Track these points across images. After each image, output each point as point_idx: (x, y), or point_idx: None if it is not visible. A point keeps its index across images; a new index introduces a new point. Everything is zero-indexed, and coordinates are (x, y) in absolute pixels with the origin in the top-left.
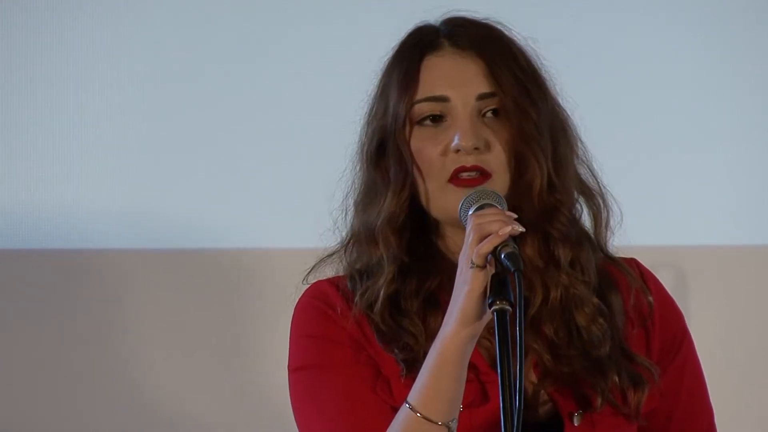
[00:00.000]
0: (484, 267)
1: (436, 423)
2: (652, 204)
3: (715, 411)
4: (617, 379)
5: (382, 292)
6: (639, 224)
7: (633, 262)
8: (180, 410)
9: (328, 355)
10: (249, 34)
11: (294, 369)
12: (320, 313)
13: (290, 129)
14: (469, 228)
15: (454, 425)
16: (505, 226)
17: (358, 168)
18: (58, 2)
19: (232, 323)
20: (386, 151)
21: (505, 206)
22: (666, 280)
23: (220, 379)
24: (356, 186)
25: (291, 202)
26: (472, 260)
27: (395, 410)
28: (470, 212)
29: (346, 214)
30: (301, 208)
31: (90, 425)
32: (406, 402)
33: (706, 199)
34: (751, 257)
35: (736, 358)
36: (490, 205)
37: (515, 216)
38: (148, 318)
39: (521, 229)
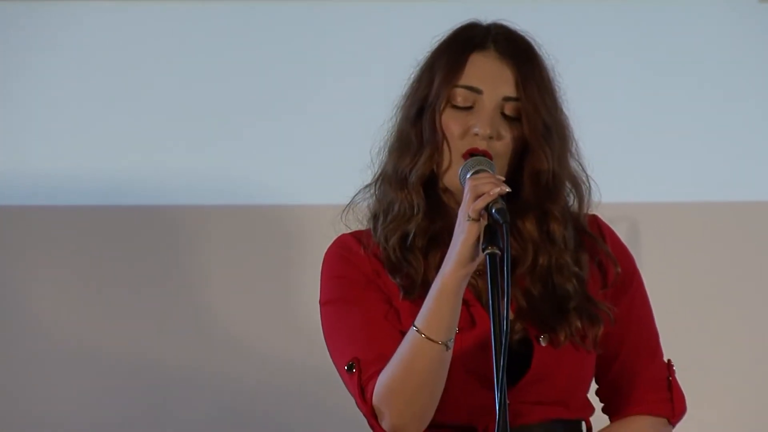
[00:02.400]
0: (478, 220)
1: (437, 342)
2: (611, 163)
3: (667, 355)
4: (579, 324)
5: (401, 229)
6: (600, 182)
7: (594, 218)
8: (248, 340)
9: (348, 292)
10: None
11: (323, 303)
12: (342, 259)
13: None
14: (466, 188)
15: (450, 344)
16: (495, 186)
17: (397, 121)
18: None
19: (286, 268)
20: (423, 116)
21: (495, 172)
22: (621, 231)
23: (276, 314)
24: (393, 135)
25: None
26: (468, 214)
27: (403, 334)
28: (468, 176)
29: (381, 154)
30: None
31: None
32: (413, 325)
33: (660, 158)
34: (700, 212)
35: (683, 300)
36: (484, 171)
37: (503, 179)
38: (219, 266)
39: (508, 189)
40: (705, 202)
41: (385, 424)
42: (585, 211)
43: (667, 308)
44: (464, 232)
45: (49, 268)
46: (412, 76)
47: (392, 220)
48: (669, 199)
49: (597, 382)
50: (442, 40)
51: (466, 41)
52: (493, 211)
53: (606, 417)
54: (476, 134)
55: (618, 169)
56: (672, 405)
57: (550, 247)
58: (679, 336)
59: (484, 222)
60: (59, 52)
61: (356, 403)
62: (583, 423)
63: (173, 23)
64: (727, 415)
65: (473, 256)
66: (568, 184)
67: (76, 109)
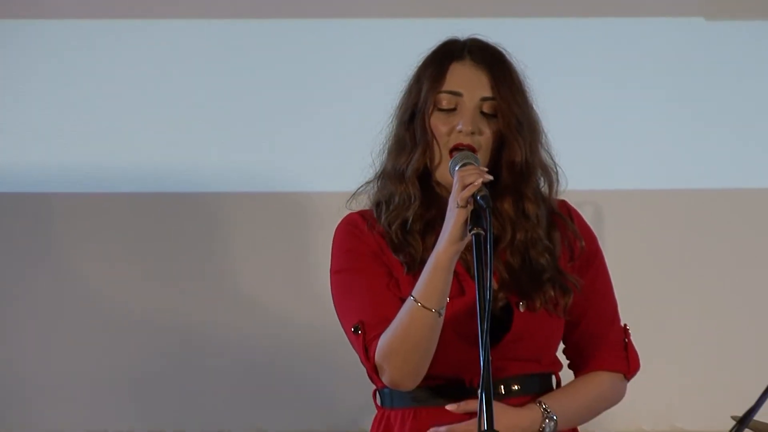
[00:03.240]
0: (465, 206)
1: (431, 310)
2: (578, 154)
3: (624, 320)
4: (552, 293)
5: (401, 217)
6: (567, 171)
7: (563, 203)
8: (269, 304)
9: (356, 263)
10: None
11: (333, 272)
12: (350, 234)
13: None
14: (455, 179)
15: (442, 312)
16: (479, 177)
17: (393, 127)
18: None
19: (302, 244)
20: (414, 120)
21: (480, 163)
22: (586, 215)
23: (293, 282)
24: (390, 138)
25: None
26: (457, 201)
27: (402, 301)
28: (456, 168)
29: (381, 155)
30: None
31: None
32: (411, 295)
33: (622, 150)
34: (657, 198)
35: (640, 275)
36: (470, 164)
37: (487, 169)
38: (248, 243)
39: (490, 177)
40: (660, 190)
41: (385, 379)
42: (555, 194)
43: (625, 282)
44: (454, 217)
45: (107, 244)
46: (404, 88)
47: (393, 209)
48: (629, 186)
49: (564, 343)
50: (426, 55)
51: (446, 54)
52: (478, 198)
53: (572, 373)
54: (460, 131)
55: (584, 160)
56: (627, 363)
57: (526, 224)
58: (635, 305)
59: (470, 207)
60: (106, 63)
61: (360, 360)
62: (553, 376)
63: (205, 39)
64: (676, 372)
65: (462, 236)
66: (539, 171)
67: (131, 112)
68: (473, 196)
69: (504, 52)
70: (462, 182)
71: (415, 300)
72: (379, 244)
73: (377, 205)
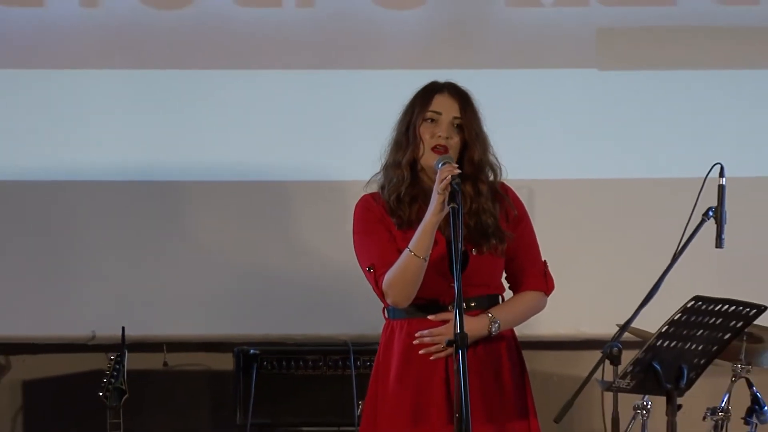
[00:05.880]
0: (443, 192)
1: (420, 257)
2: (515, 154)
3: (546, 264)
4: (494, 242)
5: (396, 191)
6: (508, 165)
7: (503, 185)
8: (319, 251)
9: (368, 227)
10: None
11: (354, 233)
12: (365, 209)
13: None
14: (438, 174)
15: (427, 258)
16: (453, 171)
17: (394, 135)
18: None
19: (335, 214)
20: (408, 130)
21: (453, 159)
22: (522, 195)
23: (333, 237)
24: (392, 142)
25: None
26: (438, 190)
27: (399, 251)
28: (438, 166)
29: (385, 154)
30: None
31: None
32: (408, 248)
33: (548, 153)
34: (574, 185)
35: (558, 235)
36: (447, 162)
37: (457, 165)
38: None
39: (459, 170)
40: (577, 179)
41: (389, 300)
42: (498, 180)
43: (548, 236)
44: (436, 198)
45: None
46: (401, 112)
47: (392, 186)
48: (550, 177)
49: (505, 273)
50: (417, 91)
51: (432, 89)
52: (453, 184)
53: (511, 292)
54: (439, 136)
55: (519, 157)
56: (546, 284)
57: (479, 199)
58: (555, 249)
59: (448, 191)
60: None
61: (372, 288)
62: (499, 296)
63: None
64: (581, 291)
65: (442, 210)
66: (488, 166)
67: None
68: (450, 183)
69: (467, 90)
70: (441, 175)
71: (410, 251)
72: (383, 214)
73: (382, 188)
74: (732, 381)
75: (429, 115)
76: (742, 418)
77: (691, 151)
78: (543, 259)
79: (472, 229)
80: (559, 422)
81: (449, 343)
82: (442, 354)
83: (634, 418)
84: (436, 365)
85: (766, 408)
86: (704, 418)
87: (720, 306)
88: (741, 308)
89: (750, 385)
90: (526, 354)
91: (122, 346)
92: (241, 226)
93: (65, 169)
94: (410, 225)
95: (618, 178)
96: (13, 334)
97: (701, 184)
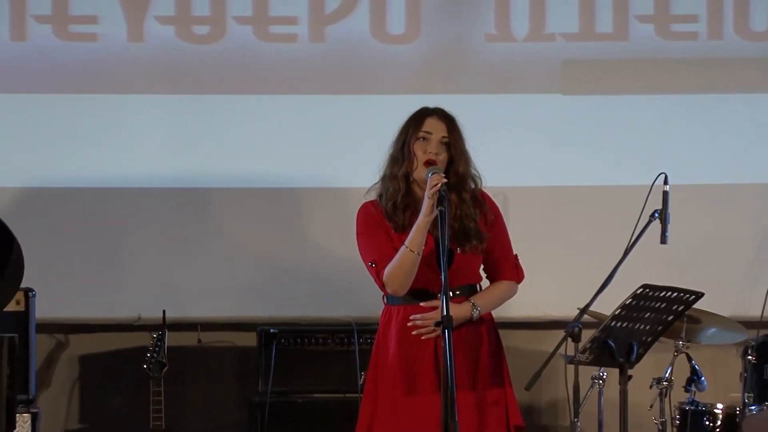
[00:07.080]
0: (433, 197)
1: (414, 252)
2: (493, 167)
3: (517, 257)
4: (475, 242)
5: (393, 199)
6: (486, 176)
7: (482, 193)
8: (331, 246)
9: (369, 229)
10: None
11: (357, 234)
12: (366, 214)
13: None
14: (428, 182)
15: (420, 253)
16: (441, 180)
17: (391, 152)
18: None
19: (341, 218)
20: (403, 147)
21: (441, 171)
22: (498, 201)
23: (339, 237)
24: (390, 158)
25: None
26: (428, 195)
27: (395, 249)
28: (429, 176)
29: (383, 167)
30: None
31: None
32: (404, 245)
33: (522, 166)
34: (544, 192)
35: (528, 232)
36: (436, 173)
37: (445, 176)
38: (317, 220)
39: (446, 180)
40: (545, 186)
41: (388, 290)
42: (478, 189)
43: (520, 234)
44: (428, 202)
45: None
46: (397, 132)
47: (389, 195)
48: (523, 185)
49: (483, 266)
50: (411, 114)
51: (424, 113)
52: (441, 191)
53: (488, 282)
54: (430, 153)
55: (495, 167)
56: (518, 274)
57: (462, 205)
58: (527, 243)
59: (436, 197)
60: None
61: (374, 280)
62: (478, 285)
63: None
64: (547, 281)
65: (432, 212)
66: (470, 177)
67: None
68: (439, 190)
69: (453, 114)
70: (431, 183)
71: (406, 247)
72: (381, 218)
73: (380, 196)
74: (674, 356)
75: (421, 134)
76: (682, 387)
77: (641, 163)
78: (515, 253)
79: (456, 231)
80: (530, 390)
81: (437, 324)
82: (432, 335)
83: (591, 386)
84: (427, 344)
85: (702, 378)
86: (651, 387)
87: (664, 292)
88: (682, 294)
89: (689, 359)
90: (502, 333)
91: (163, 326)
92: (263, 226)
93: (118, 178)
94: (404, 229)
95: (580, 185)
96: (72, 316)
97: (648, 191)
